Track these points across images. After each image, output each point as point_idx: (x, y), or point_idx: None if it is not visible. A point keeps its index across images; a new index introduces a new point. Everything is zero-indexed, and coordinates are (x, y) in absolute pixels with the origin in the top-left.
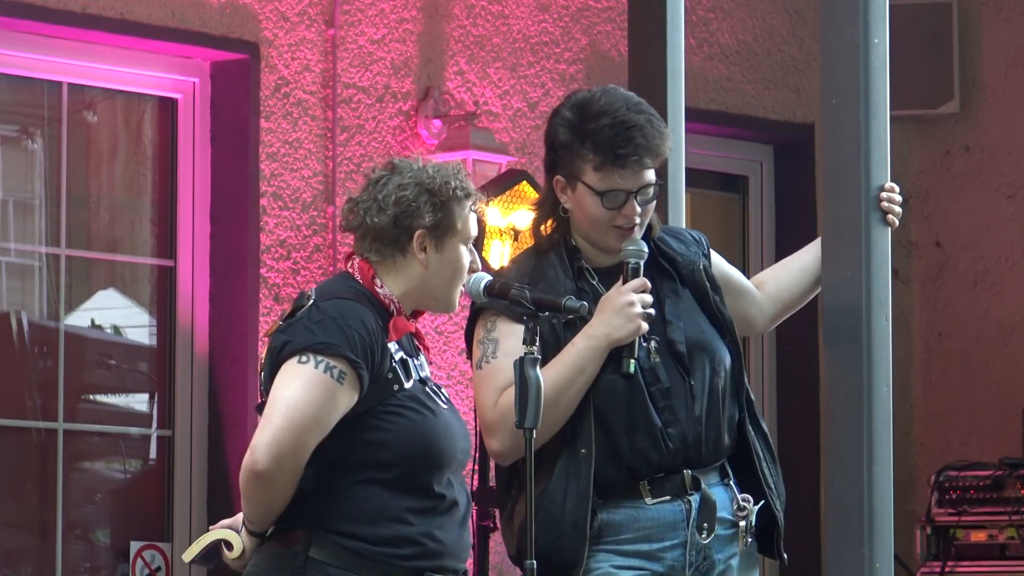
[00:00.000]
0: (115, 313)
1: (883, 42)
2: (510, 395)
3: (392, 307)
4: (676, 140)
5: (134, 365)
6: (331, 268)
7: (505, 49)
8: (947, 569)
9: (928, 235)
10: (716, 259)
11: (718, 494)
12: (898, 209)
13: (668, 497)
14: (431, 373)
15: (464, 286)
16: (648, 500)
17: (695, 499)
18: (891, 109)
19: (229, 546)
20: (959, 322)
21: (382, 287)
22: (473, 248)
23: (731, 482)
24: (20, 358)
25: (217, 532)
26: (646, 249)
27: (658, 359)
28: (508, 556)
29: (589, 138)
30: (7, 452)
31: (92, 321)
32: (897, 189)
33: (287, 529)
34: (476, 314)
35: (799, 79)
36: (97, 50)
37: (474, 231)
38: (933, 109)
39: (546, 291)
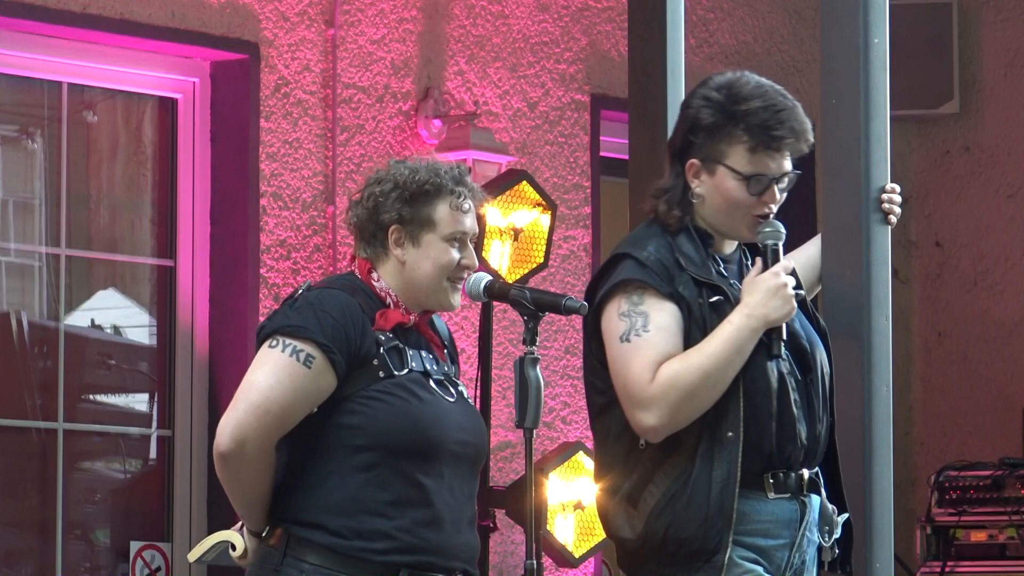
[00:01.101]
0: (115, 313)
1: (883, 42)
2: (671, 367)
3: (388, 300)
4: None
5: (134, 365)
6: (331, 268)
7: (505, 49)
8: (947, 569)
9: (928, 235)
10: None
11: (825, 499)
12: (898, 210)
13: (787, 495)
14: (453, 372)
15: (464, 286)
16: (770, 495)
17: (810, 501)
18: (891, 109)
19: (233, 547)
20: (959, 322)
21: (379, 280)
22: (470, 246)
23: (822, 489)
24: (20, 358)
25: (221, 534)
26: (783, 230)
27: (786, 352)
28: (619, 539)
29: (743, 119)
30: (7, 452)
31: (92, 321)
32: (898, 189)
33: (273, 527)
34: (616, 287)
35: (799, 79)
36: (97, 50)
37: (460, 228)
38: (933, 109)
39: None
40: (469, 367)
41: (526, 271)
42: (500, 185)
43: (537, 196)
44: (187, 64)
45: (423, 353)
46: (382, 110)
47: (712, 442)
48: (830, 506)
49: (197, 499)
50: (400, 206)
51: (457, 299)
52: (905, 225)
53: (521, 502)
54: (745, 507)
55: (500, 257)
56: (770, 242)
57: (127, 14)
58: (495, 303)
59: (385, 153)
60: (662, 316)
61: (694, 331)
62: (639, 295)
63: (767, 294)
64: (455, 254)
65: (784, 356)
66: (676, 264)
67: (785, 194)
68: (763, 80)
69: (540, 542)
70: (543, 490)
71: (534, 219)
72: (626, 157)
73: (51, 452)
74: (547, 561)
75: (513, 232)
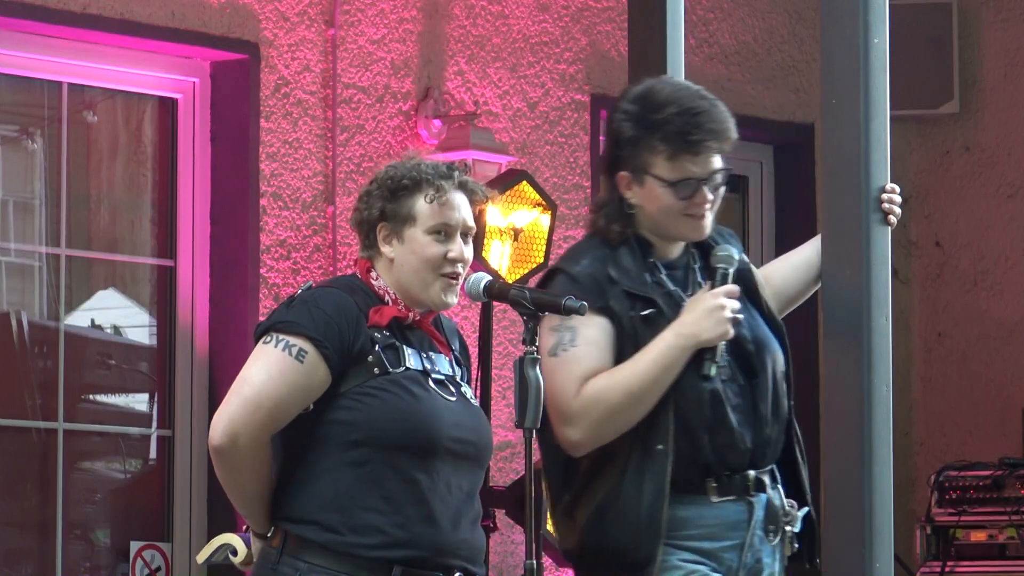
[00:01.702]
0: (115, 313)
1: (883, 42)
2: (596, 384)
3: (387, 298)
4: None
5: (134, 365)
6: (331, 268)
7: (505, 49)
8: (947, 569)
9: (928, 235)
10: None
11: (775, 497)
12: (898, 210)
13: (733, 497)
14: (455, 373)
15: (460, 280)
16: (714, 498)
17: (758, 501)
18: (891, 109)
19: (234, 551)
20: (959, 322)
21: (377, 279)
22: (459, 239)
23: (779, 485)
24: (20, 358)
25: (226, 536)
26: (737, 256)
27: (728, 358)
28: (561, 549)
29: (658, 128)
30: (7, 452)
31: (92, 321)
32: (898, 190)
33: (274, 526)
34: None
35: (799, 79)
36: (97, 50)
37: (443, 220)
38: (933, 109)
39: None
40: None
41: (526, 271)
42: (500, 185)
43: (537, 196)
44: (187, 64)
45: (423, 352)
46: (382, 110)
47: (643, 455)
48: (787, 501)
49: (197, 499)
50: (382, 203)
51: (451, 296)
52: (905, 225)
53: (521, 502)
54: (688, 513)
55: (500, 257)
56: (720, 266)
57: (127, 14)
58: (495, 303)
59: (385, 153)
60: (591, 331)
61: (626, 345)
62: None
63: (701, 314)
64: (440, 247)
65: (713, 375)
66: (608, 278)
67: (721, 191)
68: (680, 84)
69: (540, 542)
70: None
71: (534, 219)
72: None
73: (51, 452)
74: (547, 561)
75: (513, 232)
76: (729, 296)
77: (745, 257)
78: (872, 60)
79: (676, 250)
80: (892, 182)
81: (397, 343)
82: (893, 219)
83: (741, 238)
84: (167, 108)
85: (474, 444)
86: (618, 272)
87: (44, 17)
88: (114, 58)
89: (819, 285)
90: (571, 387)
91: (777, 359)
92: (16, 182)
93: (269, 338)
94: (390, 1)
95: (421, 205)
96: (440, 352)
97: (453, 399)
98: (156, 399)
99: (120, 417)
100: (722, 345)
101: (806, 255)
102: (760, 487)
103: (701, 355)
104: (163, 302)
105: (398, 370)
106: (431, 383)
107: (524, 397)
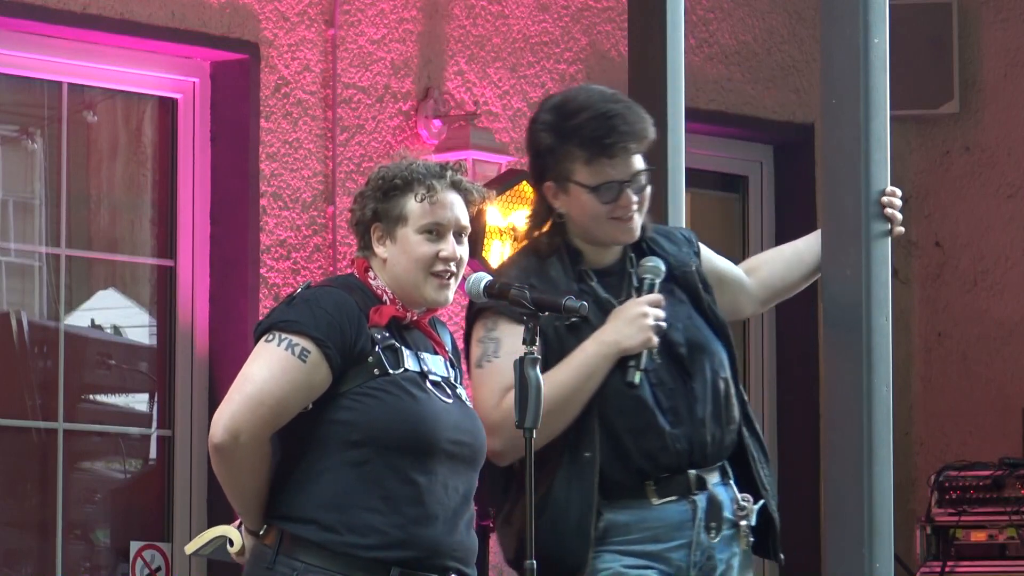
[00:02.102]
0: (115, 313)
1: (883, 42)
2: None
3: (385, 298)
4: (676, 140)
5: (134, 365)
6: (331, 268)
7: (505, 49)
8: (947, 569)
9: (928, 235)
10: (706, 254)
11: (721, 494)
12: (900, 216)
13: (674, 497)
14: (452, 375)
15: (455, 278)
16: (654, 500)
17: (700, 499)
18: (891, 109)
19: (231, 542)
20: (959, 322)
21: (375, 279)
22: (451, 238)
23: (731, 482)
24: (20, 358)
25: (219, 528)
26: (663, 268)
27: (660, 361)
28: (505, 559)
29: (573, 135)
30: (7, 452)
31: (92, 321)
32: (899, 193)
33: (269, 525)
34: (476, 314)
35: (799, 79)
36: (97, 50)
37: (429, 218)
38: (933, 109)
39: (546, 291)
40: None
41: None
42: (500, 185)
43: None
44: (187, 64)
45: (421, 354)
46: (382, 110)
47: (571, 463)
48: (742, 496)
49: (197, 499)
50: (375, 204)
51: (444, 294)
52: (905, 225)
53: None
54: (628, 517)
55: (500, 257)
56: (647, 277)
57: (127, 14)
58: None
59: (385, 153)
60: (514, 341)
61: (551, 355)
62: (493, 321)
63: (623, 322)
64: (431, 247)
65: (637, 383)
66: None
67: (647, 191)
68: (595, 90)
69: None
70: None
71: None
72: None
73: (51, 452)
74: None
75: (513, 232)
76: (653, 305)
77: (696, 256)
78: (872, 60)
79: (611, 256)
80: (892, 182)
81: (396, 344)
82: (900, 229)
83: (741, 238)
84: (167, 108)
85: (470, 446)
86: (543, 283)
87: (44, 17)
88: (114, 58)
89: (810, 281)
90: (492, 398)
91: (715, 360)
92: (16, 182)
93: (271, 336)
94: (390, 1)
95: (412, 205)
96: (437, 353)
97: (450, 401)
98: (156, 399)
99: (120, 417)
100: (646, 352)
101: (798, 249)
102: (703, 486)
103: (626, 363)
104: (163, 302)
105: (397, 371)
106: (429, 385)
107: (524, 397)
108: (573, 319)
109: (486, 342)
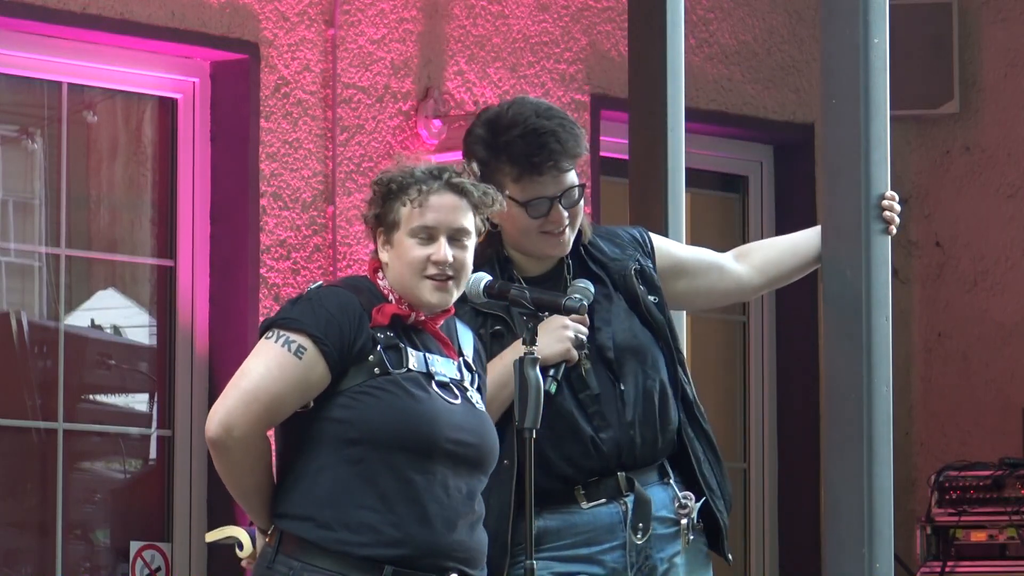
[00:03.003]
0: (115, 313)
1: (883, 42)
2: None
3: (391, 297)
4: (676, 140)
5: (134, 365)
6: (331, 268)
7: (505, 49)
8: (947, 569)
9: (928, 235)
10: (662, 247)
11: (655, 493)
12: (898, 219)
13: (603, 500)
14: (461, 376)
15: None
16: (584, 504)
17: (631, 500)
18: (891, 109)
19: (240, 546)
20: (959, 322)
21: (383, 279)
22: (442, 240)
23: (671, 481)
24: (20, 358)
25: (236, 530)
26: (592, 290)
27: (588, 365)
28: None
29: (503, 151)
30: (7, 452)
31: (92, 321)
32: (896, 197)
33: (274, 525)
34: None
35: (799, 79)
36: (97, 50)
37: (419, 221)
38: (933, 109)
39: (546, 291)
40: None
41: None
42: None
43: None
44: (187, 64)
45: (428, 355)
46: (382, 110)
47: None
48: (683, 494)
49: (197, 499)
50: (376, 209)
51: (441, 296)
52: (905, 225)
53: None
54: (557, 523)
55: None
56: (576, 296)
57: (127, 14)
58: None
59: (385, 153)
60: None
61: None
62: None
63: (543, 333)
64: (422, 250)
65: (552, 392)
66: (460, 298)
67: (580, 206)
68: (529, 104)
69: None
70: None
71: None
72: (626, 157)
73: (51, 452)
74: None
75: None
76: (576, 320)
77: (644, 256)
78: (872, 60)
79: (545, 264)
80: (892, 182)
81: (400, 344)
82: (893, 229)
83: (741, 238)
84: (167, 108)
85: (475, 447)
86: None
87: (44, 17)
88: (114, 58)
89: (805, 272)
90: None
91: (648, 363)
92: (16, 182)
93: (271, 334)
94: (390, 1)
95: (404, 209)
96: (446, 355)
97: (456, 402)
98: (156, 399)
99: (120, 417)
100: (563, 366)
101: (794, 240)
102: (632, 487)
103: (543, 373)
104: (163, 302)
105: (399, 371)
106: (434, 385)
107: (524, 397)
108: (497, 327)
109: None
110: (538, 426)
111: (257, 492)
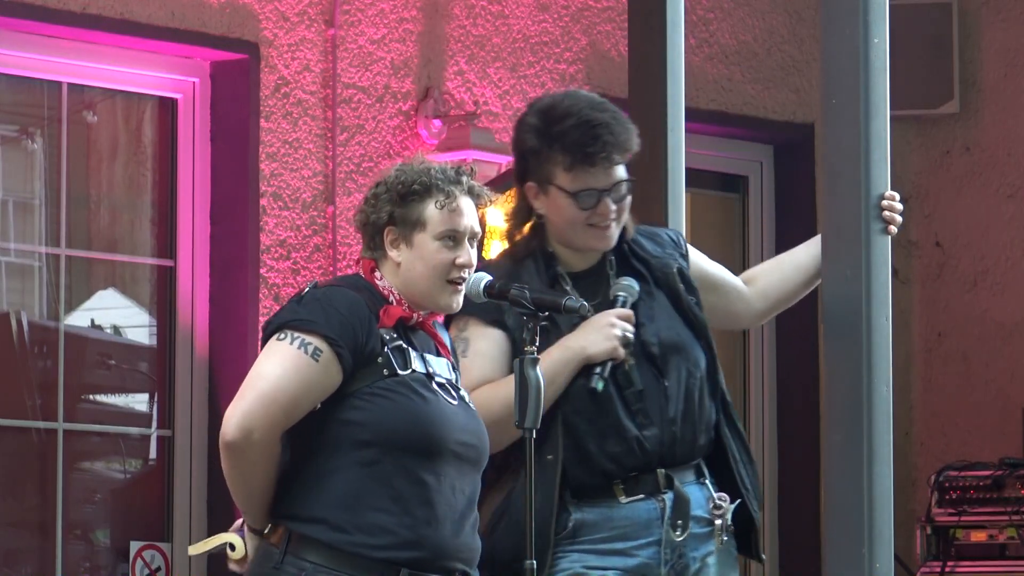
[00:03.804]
0: (115, 313)
1: (883, 42)
2: (480, 396)
3: (391, 298)
4: (676, 140)
5: (134, 365)
6: (331, 268)
7: (505, 49)
8: (947, 569)
9: (928, 235)
10: (695, 257)
11: (692, 492)
12: (899, 218)
13: (642, 496)
14: (454, 377)
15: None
16: (622, 499)
17: (669, 497)
18: (891, 109)
19: (232, 547)
20: (959, 322)
21: (381, 279)
22: (466, 243)
23: (707, 481)
24: (20, 358)
25: (224, 535)
26: (637, 288)
27: (632, 362)
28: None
29: (557, 140)
30: (7, 452)
31: (92, 321)
32: (897, 197)
33: (275, 525)
34: (449, 319)
35: (799, 79)
36: (97, 50)
37: (451, 226)
38: (933, 109)
39: (546, 292)
40: None
41: None
42: (500, 185)
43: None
44: (187, 64)
45: (427, 356)
46: (382, 110)
47: (534, 465)
48: (718, 495)
49: (197, 499)
50: (391, 207)
51: (458, 300)
52: (905, 225)
53: None
54: (594, 516)
55: None
56: (621, 295)
57: (127, 14)
58: None
59: (385, 153)
60: (482, 343)
61: (518, 358)
62: (464, 323)
63: (590, 330)
64: (448, 254)
65: (599, 390)
66: (500, 293)
67: (627, 201)
68: (583, 96)
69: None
70: None
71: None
72: None
73: (51, 452)
74: None
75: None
76: (623, 319)
77: (682, 258)
78: (872, 60)
79: (588, 259)
80: (892, 181)
81: (404, 345)
82: (894, 228)
83: (741, 238)
84: (167, 108)
85: (476, 448)
86: (517, 287)
87: (44, 17)
88: (114, 58)
89: (809, 288)
90: None
91: (690, 360)
92: (16, 182)
93: (284, 335)
94: (390, 1)
95: (431, 211)
96: (441, 355)
97: (455, 403)
98: (156, 399)
99: (120, 417)
100: (610, 363)
101: (796, 258)
102: (672, 484)
103: (590, 369)
104: (163, 302)
105: (405, 372)
106: (435, 386)
107: (524, 397)
108: (543, 323)
109: (457, 341)
110: (538, 426)
111: (262, 494)
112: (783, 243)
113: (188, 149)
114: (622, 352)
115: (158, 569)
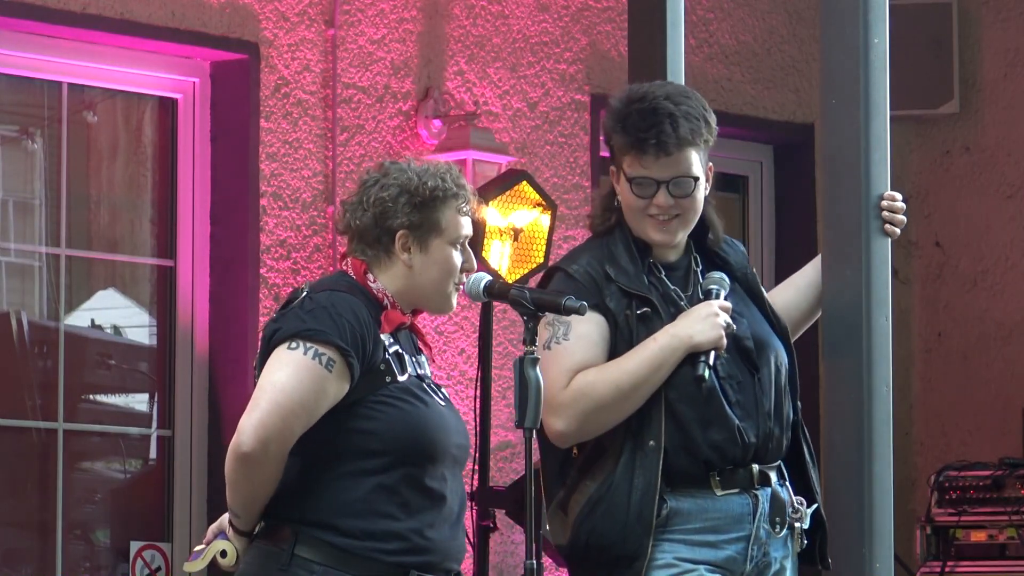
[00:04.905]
0: (115, 313)
1: (883, 42)
2: (585, 378)
3: (386, 301)
4: None
5: (134, 365)
6: (331, 268)
7: (505, 49)
8: (947, 569)
9: (928, 235)
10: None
11: (781, 493)
12: (900, 218)
13: (737, 490)
14: (431, 373)
15: (463, 286)
16: (718, 491)
17: (763, 494)
18: (891, 109)
19: (224, 554)
20: (959, 322)
21: (375, 282)
22: (468, 248)
23: (786, 483)
24: (20, 358)
25: (216, 544)
26: (728, 282)
27: (726, 355)
28: (554, 544)
29: (623, 121)
30: (7, 452)
31: (92, 321)
32: (899, 197)
33: (275, 526)
34: None
35: (799, 79)
36: (97, 50)
37: (464, 231)
38: (933, 109)
39: (546, 292)
40: (469, 367)
41: (526, 271)
42: (500, 185)
43: (537, 196)
44: (187, 64)
45: (417, 357)
46: (382, 110)
47: (634, 451)
48: (796, 499)
49: (197, 499)
50: (410, 212)
51: (456, 302)
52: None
53: (521, 502)
54: (690, 506)
55: (500, 257)
56: (714, 287)
57: (127, 14)
58: (495, 303)
59: (385, 153)
60: (584, 326)
61: (620, 342)
62: None
63: (696, 319)
64: (458, 258)
65: (707, 378)
66: (605, 276)
67: (689, 199)
68: (668, 87)
69: (540, 542)
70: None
71: (534, 219)
72: None
73: (51, 452)
74: (547, 561)
75: (513, 232)
76: (723, 310)
77: (748, 264)
78: (872, 60)
79: (675, 252)
80: (892, 182)
81: (400, 349)
82: (895, 230)
83: (741, 238)
84: (167, 108)
85: (466, 448)
86: (616, 271)
87: (44, 17)
88: (114, 58)
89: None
90: (560, 379)
91: (779, 357)
92: (16, 182)
93: (295, 344)
94: (390, 1)
95: (450, 217)
96: (422, 352)
97: (444, 404)
98: (156, 399)
99: (120, 417)
100: (714, 352)
101: (809, 276)
102: (765, 481)
103: (695, 357)
104: (163, 302)
105: (403, 378)
106: (427, 388)
107: (524, 397)
108: (645, 309)
109: (556, 324)
110: (537, 426)
111: (264, 500)
112: (783, 243)
113: (188, 149)
114: (725, 341)
115: (158, 569)
